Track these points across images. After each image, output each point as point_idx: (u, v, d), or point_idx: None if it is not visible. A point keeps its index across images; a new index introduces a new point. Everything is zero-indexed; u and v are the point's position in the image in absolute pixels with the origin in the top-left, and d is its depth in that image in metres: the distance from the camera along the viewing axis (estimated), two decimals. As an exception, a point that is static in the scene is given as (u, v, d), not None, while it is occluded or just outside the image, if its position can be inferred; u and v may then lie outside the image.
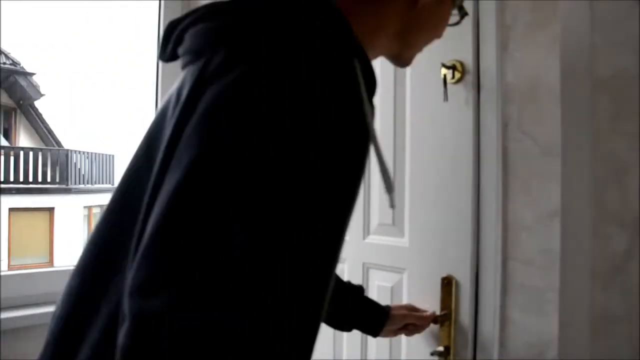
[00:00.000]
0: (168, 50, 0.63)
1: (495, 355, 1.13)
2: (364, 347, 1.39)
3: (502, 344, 1.13)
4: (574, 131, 1.05)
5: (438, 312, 1.19)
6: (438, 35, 0.78)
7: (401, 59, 0.78)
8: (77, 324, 0.56)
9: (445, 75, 1.20)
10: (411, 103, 1.30)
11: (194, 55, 0.56)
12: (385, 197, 1.33)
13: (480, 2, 1.19)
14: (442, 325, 1.18)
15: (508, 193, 1.14)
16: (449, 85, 1.20)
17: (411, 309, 1.19)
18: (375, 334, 1.15)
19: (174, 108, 0.54)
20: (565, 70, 1.05)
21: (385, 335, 1.16)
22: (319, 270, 0.49)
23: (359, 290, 1.14)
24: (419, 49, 0.78)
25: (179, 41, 0.60)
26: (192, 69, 0.55)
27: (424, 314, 1.18)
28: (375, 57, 0.72)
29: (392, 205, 0.65)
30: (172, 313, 0.41)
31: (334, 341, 1.45)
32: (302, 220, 0.45)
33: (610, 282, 1.01)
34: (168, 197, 0.45)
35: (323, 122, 0.46)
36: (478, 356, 1.16)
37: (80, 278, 0.60)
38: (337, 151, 0.47)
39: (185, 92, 0.53)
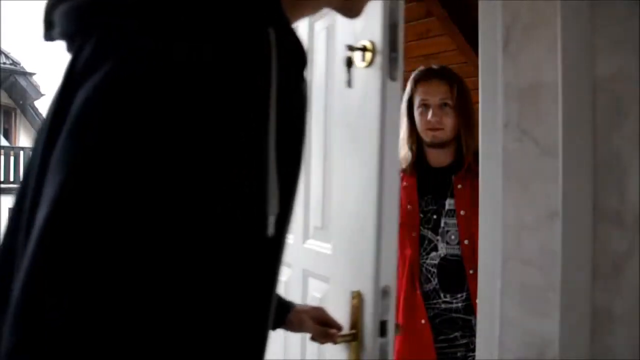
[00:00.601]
0: (47, 32, 0.52)
1: (496, 355, 1.13)
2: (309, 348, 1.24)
3: (502, 344, 1.13)
4: (574, 131, 1.05)
5: (347, 331, 1.02)
6: None
7: (351, 8, 0.66)
8: None
9: (349, 58, 1.05)
10: (340, 94, 1.15)
11: (68, 40, 0.48)
12: (322, 197, 1.21)
13: (480, 2, 1.19)
14: (350, 345, 1.02)
15: (508, 193, 1.14)
16: (360, 70, 1.04)
17: (317, 316, 1.02)
18: (272, 328, 1.03)
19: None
20: (565, 70, 1.05)
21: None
22: (228, 281, 0.43)
23: None
24: None
25: (50, 23, 0.50)
26: (69, 59, 0.46)
27: (328, 329, 1.01)
28: (319, 9, 0.63)
29: (269, 232, 0.50)
30: None
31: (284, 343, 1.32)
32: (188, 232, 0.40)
33: (610, 282, 1.01)
34: (35, 241, 0.38)
35: (214, 119, 0.40)
36: (478, 355, 1.16)
37: None
38: (225, 152, 0.41)
39: (58, 89, 0.45)
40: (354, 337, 1.00)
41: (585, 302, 1.02)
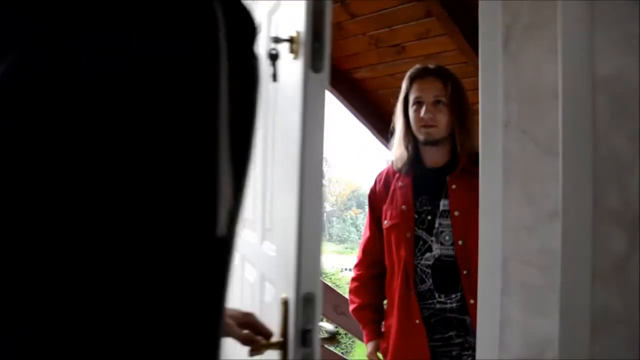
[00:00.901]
0: None
1: (496, 355, 1.13)
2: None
3: (502, 344, 1.13)
4: (574, 131, 1.05)
5: (276, 338, 0.95)
6: None
7: None
8: None
9: (272, 51, 1.00)
10: (280, 89, 1.08)
11: None
12: (271, 196, 1.13)
13: (480, 2, 1.18)
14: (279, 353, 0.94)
15: (508, 193, 1.13)
16: (288, 63, 0.99)
17: (246, 322, 0.94)
18: None
19: None
20: (565, 70, 1.05)
21: None
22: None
23: None
24: None
25: None
26: None
27: (254, 336, 0.93)
28: None
29: (219, 230, 0.45)
30: None
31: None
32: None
33: (610, 282, 1.01)
34: None
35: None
36: (478, 355, 1.16)
37: None
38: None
39: None
40: (281, 346, 0.92)
41: (585, 302, 1.02)
